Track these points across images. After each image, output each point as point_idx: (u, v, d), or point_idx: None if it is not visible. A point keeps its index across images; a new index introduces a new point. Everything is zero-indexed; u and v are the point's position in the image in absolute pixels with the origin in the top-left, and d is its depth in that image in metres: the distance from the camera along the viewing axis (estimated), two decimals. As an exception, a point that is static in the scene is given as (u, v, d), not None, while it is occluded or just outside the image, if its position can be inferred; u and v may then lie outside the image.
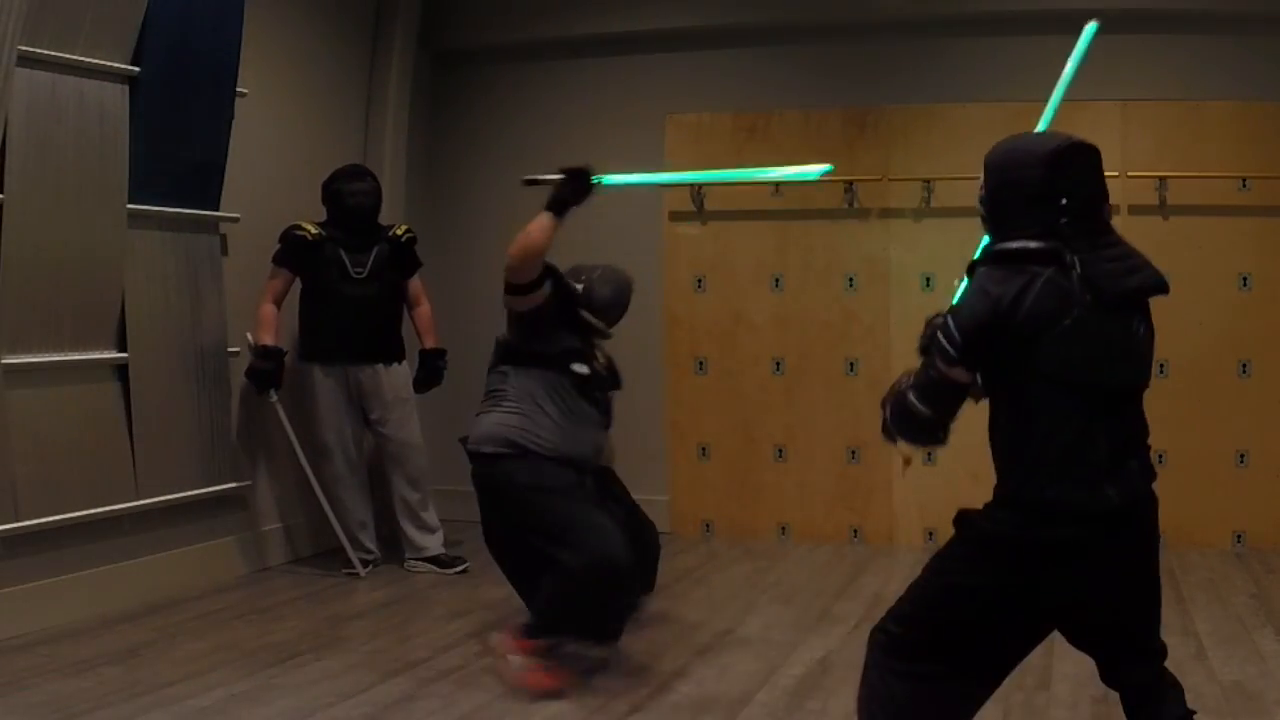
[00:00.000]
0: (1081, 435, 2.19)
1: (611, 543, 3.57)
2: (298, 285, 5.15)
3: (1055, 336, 2.16)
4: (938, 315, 2.34)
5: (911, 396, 2.30)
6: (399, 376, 5.16)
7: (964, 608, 2.27)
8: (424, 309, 5.36)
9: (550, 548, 3.60)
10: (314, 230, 5.02)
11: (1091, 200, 2.27)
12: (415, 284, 5.31)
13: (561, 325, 3.86)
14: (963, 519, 2.32)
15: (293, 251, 5.03)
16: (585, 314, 3.90)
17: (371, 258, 5.08)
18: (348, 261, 5.04)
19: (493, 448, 3.77)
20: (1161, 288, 2.29)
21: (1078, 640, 2.37)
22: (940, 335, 2.24)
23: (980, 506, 2.31)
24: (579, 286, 3.90)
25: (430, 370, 5.36)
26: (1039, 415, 2.20)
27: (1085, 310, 2.17)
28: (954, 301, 2.32)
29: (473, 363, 6.28)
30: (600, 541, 3.55)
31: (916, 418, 2.30)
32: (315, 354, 5.11)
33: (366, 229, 5.12)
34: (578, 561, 3.51)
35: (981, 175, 2.37)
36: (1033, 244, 2.22)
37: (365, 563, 5.17)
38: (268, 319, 5.00)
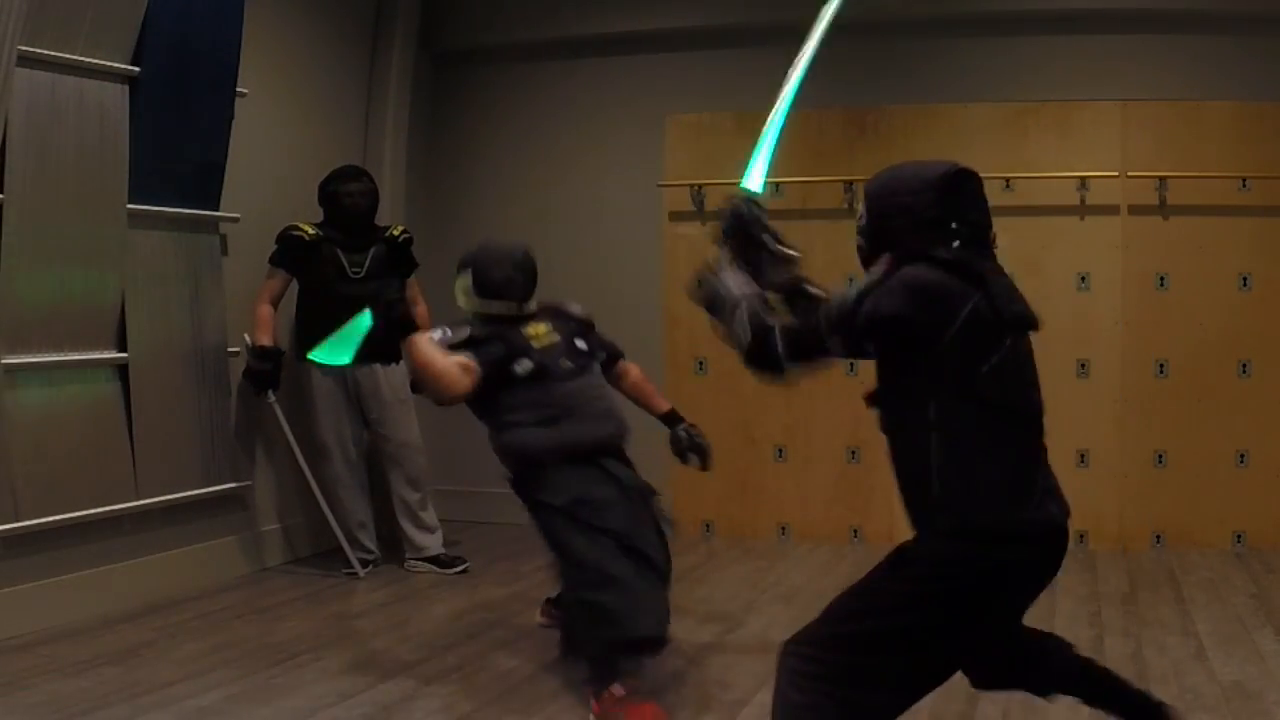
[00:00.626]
0: (1026, 457, 2.23)
1: (633, 609, 3.40)
2: (295, 286, 5.15)
3: (995, 361, 2.16)
4: (804, 283, 2.35)
5: (780, 339, 2.25)
6: (397, 376, 5.16)
7: (909, 640, 2.19)
8: (420, 310, 5.36)
9: (567, 583, 3.55)
10: (311, 230, 5.03)
11: (980, 226, 2.29)
12: (411, 285, 5.32)
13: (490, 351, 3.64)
14: (904, 555, 2.27)
15: (290, 252, 5.04)
16: (486, 302, 3.74)
17: (369, 258, 5.07)
18: (345, 262, 5.04)
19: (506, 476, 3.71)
20: (1035, 324, 2.29)
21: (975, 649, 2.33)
22: (841, 311, 2.18)
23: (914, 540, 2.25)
24: (468, 278, 3.74)
25: None
26: (985, 440, 2.17)
27: (1012, 337, 2.19)
28: (861, 287, 2.22)
29: (473, 363, 6.31)
30: (629, 608, 3.38)
31: (769, 357, 2.27)
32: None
33: (363, 229, 5.12)
34: (597, 622, 3.37)
35: (861, 206, 2.34)
36: (949, 255, 2.19)
37: (365, 563, 5.17)
38: (265, 320, 5.01)
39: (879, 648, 2.21)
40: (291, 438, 5.10)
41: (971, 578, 2.17)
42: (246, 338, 5.06)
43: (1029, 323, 2.28)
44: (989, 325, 2.16)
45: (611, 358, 4.07)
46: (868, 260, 2.34)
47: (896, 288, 2.16)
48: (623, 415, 3.85)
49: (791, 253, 2.49)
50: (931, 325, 2.14)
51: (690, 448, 4.10)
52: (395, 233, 5.24)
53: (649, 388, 4.18)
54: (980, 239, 2.28)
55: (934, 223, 2.23)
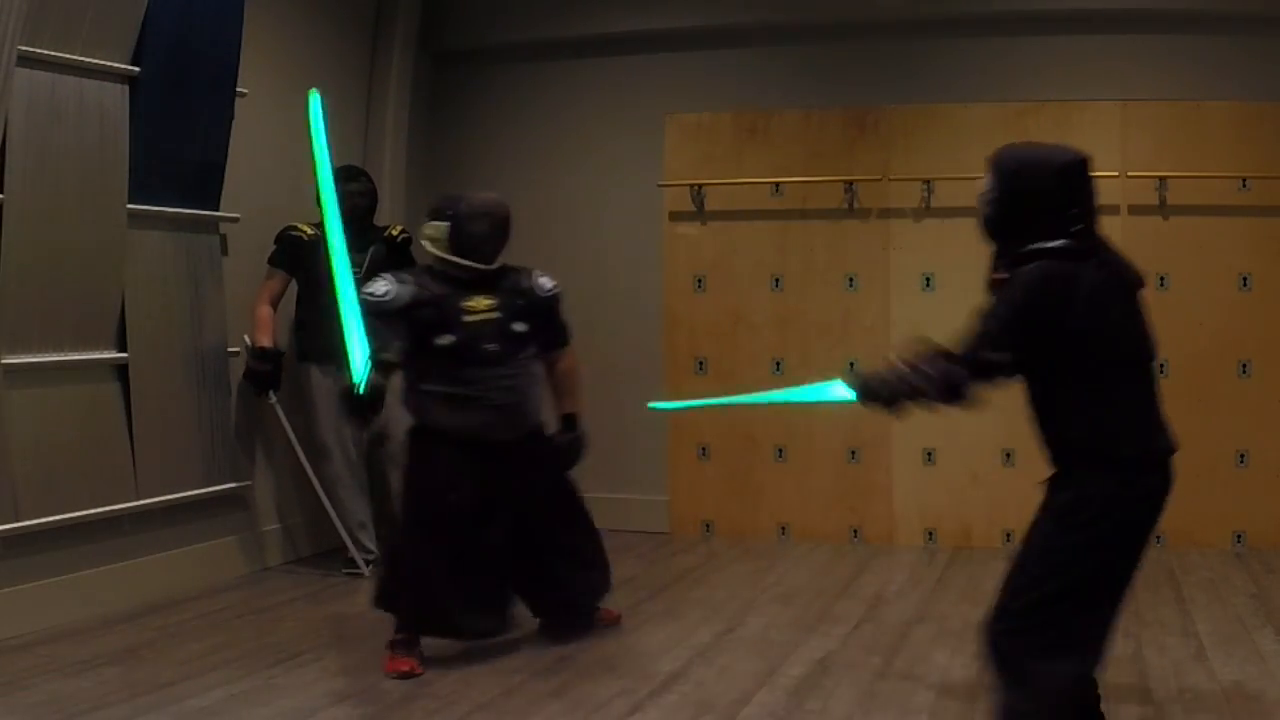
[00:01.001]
0: (1149, 396, 2.62)
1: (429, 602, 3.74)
2: (294, 286, 5.14)
3: (1115, 318, 2.50)
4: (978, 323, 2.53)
5: (965, 380, 2.53)
6: (397, 378, 5.15)
7: (1097, 580, 2.52)
8: None
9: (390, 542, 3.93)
10: (310, 230, 5.02)
11: (1092, 210, 2.55)
12: None
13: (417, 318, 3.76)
14: (1061, 509, 2.52)
15: (288, 252, 5.04)
16: (452, 258, 3.76)
17: (368, 258, 5.05)
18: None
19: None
20: (1143, 283, 2.64)
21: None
22: (992, 325, 2.49)
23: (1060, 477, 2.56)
24: (444, 229, 3.74)
25: None
26: (1117, 386, 2.53)
27: (1126, 298, 2.55)
28: (998, 299, 2.53)
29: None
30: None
31: (965, 397, 2.55)
32: (313, 354, 5.09)
33: (362, 229, 5.12)
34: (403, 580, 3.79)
35: (989, 176, 2.64)
36: (1061, 244, 2.48)
37: (367, 562, 5.17)
38: (264, 320, 5.01)
39: (1073, 597, 2.48)
40: (293, 438, 5.10)
41: (1129, 506, 2.52)
42: (246, 339, 5.06)
43: (1137, 283, 2.62)
44: (1106, 291, 2.49)
45: (552, 343, 4.02)
46: (994, 224, 2.63)
47: (1018, 291, 2.49)
48: (531, 413, 3.91)
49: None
50: (1056, 309, 2.45)
51: (565, 449, 4.09)
52: (394, 232, 5.24)
53: (572, 383, 4.12)
54: (1091, 220, 2.55)
55: (1057, 208, 2.51)
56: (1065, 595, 2.49)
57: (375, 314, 3.66)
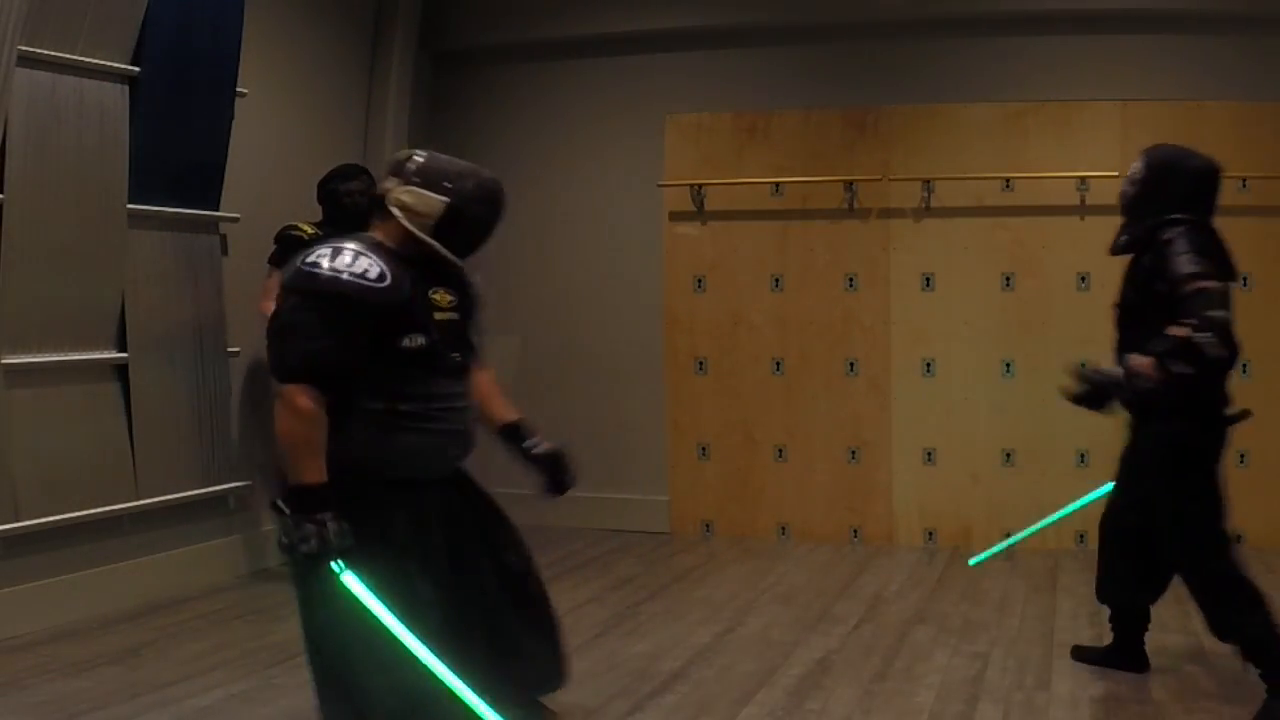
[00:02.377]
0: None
1: None
2: None
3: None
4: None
5: (1214, 313, 3.13)
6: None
7: (1212, 502, 3.39)
8: None
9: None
10: (310, 230, 5.00)
11: (1212, 209, 3.40)
12: None
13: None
14: (1162, 464, 3.39)
15: (290, 252, 4.99)
16: (433, 242, 2.70)
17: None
18: None
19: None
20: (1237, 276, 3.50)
21: None
22: (1205, 290, 3.15)
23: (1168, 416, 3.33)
24: (440, 203, 2.70)
25: None
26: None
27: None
28: (1182, 260, 3.18)
29: (473, 363, 6.30)
30: None
31: (1225, 326, 3.17)
32: None
33: (363, 228, 5.07)
34: None
35: (1140, 163, 3.44)
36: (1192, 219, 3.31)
37: None
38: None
39: (1205, 522, 3.35)
40: None
41: (1212, 446, 3.39)
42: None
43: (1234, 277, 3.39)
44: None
45: (477, 354, 2.93)
46: (1131, 203, 3.47)
47: (1186, 238, 3.25)
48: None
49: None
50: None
51: (552, 463, 3.09)
52: None
53: (498, 388, 3.10)
54: (1209, 216, 3.37)
55: (1185, 200, 3.32)
56: (1201, 526, 3.46)
57: (353, 300, 2.55)
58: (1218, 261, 3.22)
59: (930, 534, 5.74)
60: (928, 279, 5.76)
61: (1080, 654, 3.80)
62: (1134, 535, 3.51)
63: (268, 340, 2.70)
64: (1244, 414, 3.45)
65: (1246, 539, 5.48)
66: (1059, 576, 5.04)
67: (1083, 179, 5.54)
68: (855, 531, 5.90)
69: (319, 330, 2.54)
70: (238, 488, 5.06)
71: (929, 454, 5.77)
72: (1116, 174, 5.50)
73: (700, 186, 6.02)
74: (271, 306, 4.99)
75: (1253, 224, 5.44)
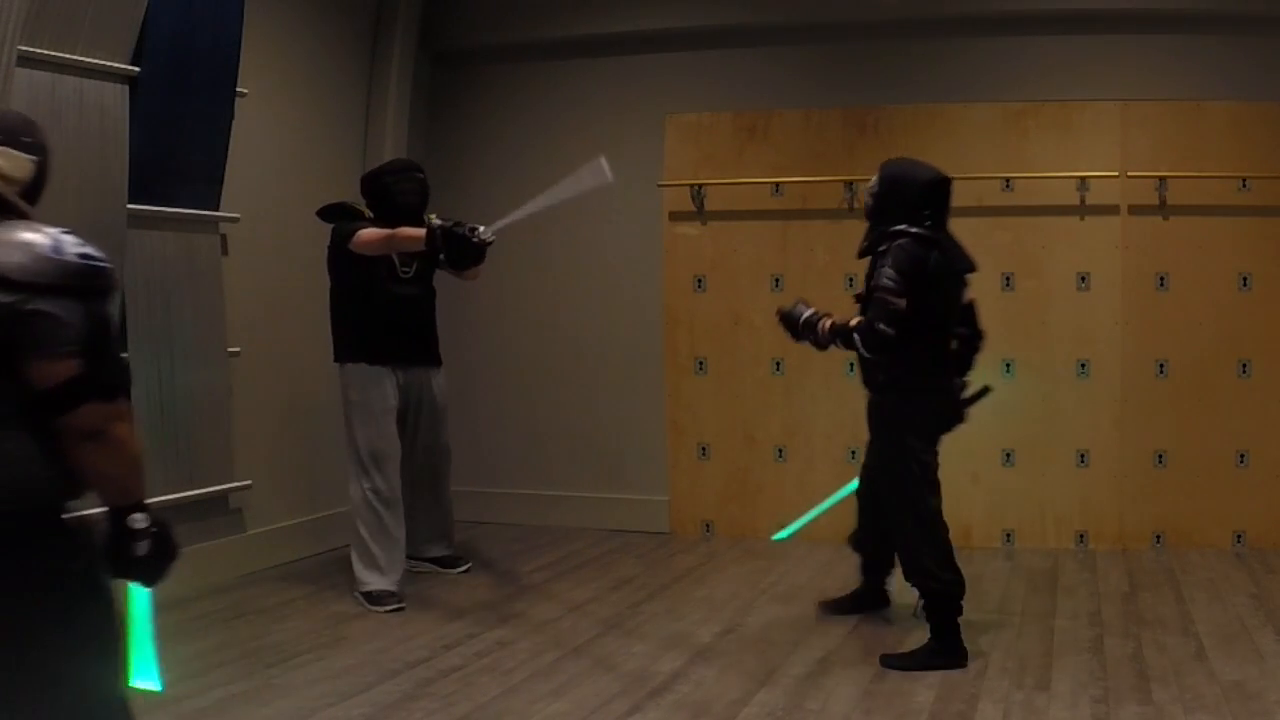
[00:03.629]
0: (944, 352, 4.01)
1: None
2: (328, 285, 4.90)
3: (946, 293, 3.88)
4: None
5: (880, 325, 3.72)
6: (441, 380, 5.06)
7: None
8: None
9: None
10: (368, 214, 4.82)
11: (945, 213, 3.92)
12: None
13: None
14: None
15: (359, 216, 4.79)
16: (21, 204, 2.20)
17: (416, 258, 4.82)
18: (395, 261, 4.82)
19: None
20: (973, 268, 4.02)
21: None
22: (886, 304, 3.73)
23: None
24: (26, 157, 2.25)
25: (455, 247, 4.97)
26: (924, 330, 3.81)
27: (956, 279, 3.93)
28: (884, 273, 3.78)
29: (469, 363, 6.30)
30: None
31: (884, 338, 3.72)
32: (363, 354, 4.79)
33: (415, 223, 4.75)
34: None
35: (876, 177, 4.03)
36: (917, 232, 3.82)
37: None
38: (384, 230, 4.58)
39: (909, 480, 3.95)
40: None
41: (914, 417, 4.00)
42: (433, 218, 4.65)
43: (969, 269, 3.99)
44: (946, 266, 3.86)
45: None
46: (871, 213, 4.03)
47: (895, 255, 3.80)
48: None
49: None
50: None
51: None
52: None
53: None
54: (943, 221, 3.91)
55: (915, 208, 3.86)
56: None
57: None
58: (920, 276, 3.76)
59: (930, 534, 5.73)
60: (928, 279, 5.76)
61: (828, 607, 4.46)
62: (872, 490, 4.25)
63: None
64: (982, 392, 4.05)
65: (1247, 539, 5.50)
66: (1059, 576, 5.04)
67: (1083, 179, 5.54)
68: (855, 531, 5.89)
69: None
70: (238, 488, 5.07)
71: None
72: (1117, 174, 5.52)
73: (700, 186, 6.02)
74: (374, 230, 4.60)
75: (1253, 224, 5.45)
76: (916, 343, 3.79)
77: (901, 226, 3.83)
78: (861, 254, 4.04)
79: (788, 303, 4.16)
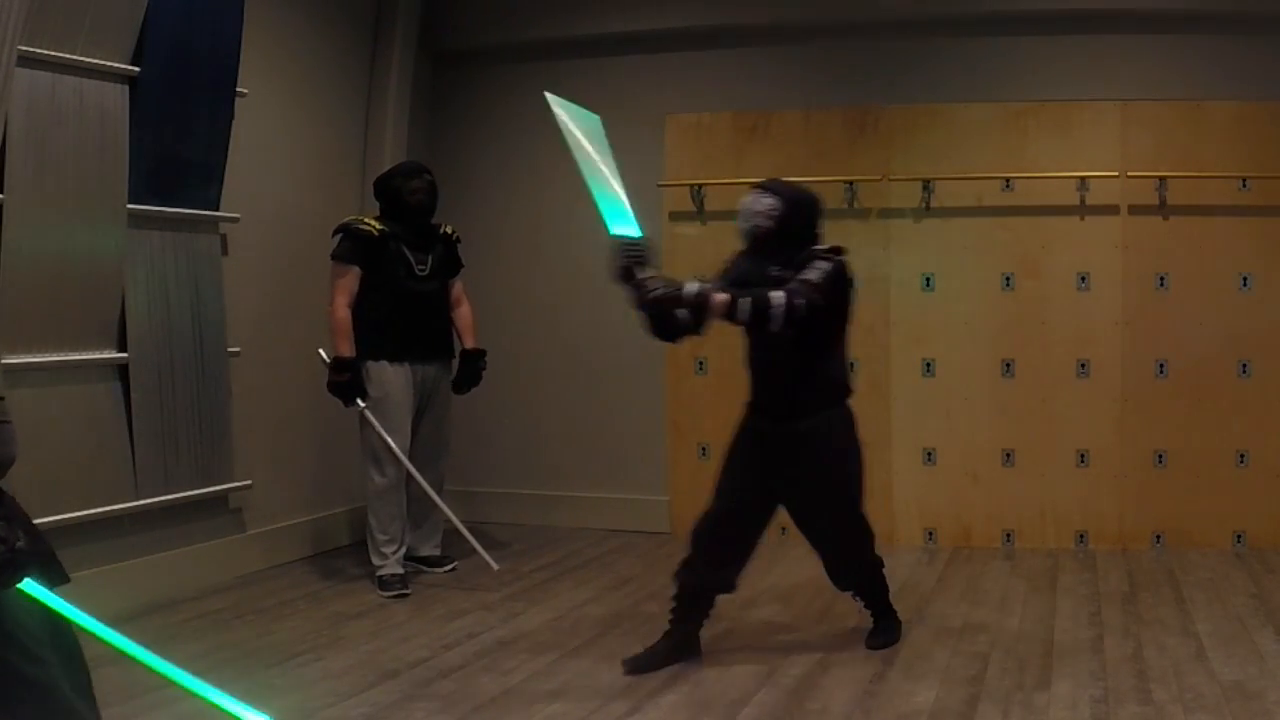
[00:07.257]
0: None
1: None
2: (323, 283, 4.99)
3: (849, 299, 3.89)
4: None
5: (801, 302, 3.64)
6: (449, 375, 5.17)
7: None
8: (465, 309, 5.24)
9: None
10: (377, 226, 4.92)
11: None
12: (458, 284, 5.26)
13: None
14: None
15: (361, 248, 4.87)
16: None
17: (431, 255, 5.00)
18: (412, 259, 4.94)
19: None
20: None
21: None
22: (812, 286, 3.68)
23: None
24: None
25: (471, 371, 5.25)
26: (841, 345, 3.98)
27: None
28: (815, 272, 3.76)
29: (473, 363, 6.29)
30: None
31: (801, 315, 3.68)
32: (386, 352, 4.91)
33: (427, 226, 5.04)
34: None
35: (777, 200, 3.97)
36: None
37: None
38: (346, 326, 4.81)
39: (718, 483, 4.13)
40: (391, 443, 4.87)
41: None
42: (322, 352, 4.96)
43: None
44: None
45: None
46: (773, 236, 3.97)
47: (826, 268, 3.77)
48: None
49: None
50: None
51: None
52: (448, 230, 5.15)
53: None
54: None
55: (815, 228, 3.97)
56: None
57: None
58: (843, 297, 3.85)
59: (930, 534, 5.74)
60: (928, 279, 5.76)
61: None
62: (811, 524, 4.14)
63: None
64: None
65: (1247, 539, 5.50)
66: (1059, 576, 5.04)
67: (1083, 179, 5.54)
68: (855, 531, 5.89)
69: None
70: (238, 488, 5.07)
71: (929, 454, 5.77)
72: (1117, 174, 5.52)
73: (700, 186, 6.02)
74: (346, 312, 4.87)
75: (1253, 224, 5.44)
76: (834, 359, 3.98)
77: (822, 248, 3.86)
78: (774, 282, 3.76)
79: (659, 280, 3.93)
